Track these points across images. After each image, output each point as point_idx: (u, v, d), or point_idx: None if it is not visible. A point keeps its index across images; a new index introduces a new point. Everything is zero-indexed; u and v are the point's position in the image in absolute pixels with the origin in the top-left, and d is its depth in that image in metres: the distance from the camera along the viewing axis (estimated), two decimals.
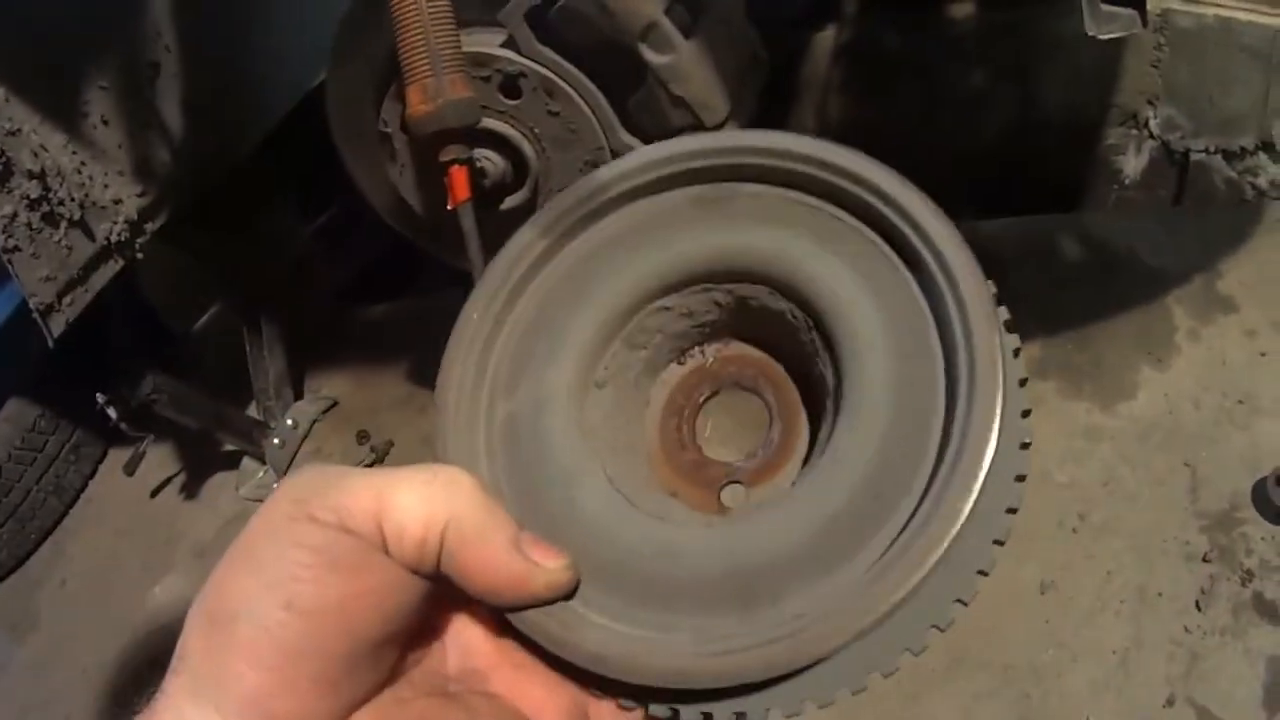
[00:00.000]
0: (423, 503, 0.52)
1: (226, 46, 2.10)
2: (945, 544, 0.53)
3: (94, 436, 2.72)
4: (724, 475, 0.71)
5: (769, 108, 2.32)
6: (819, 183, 0.69)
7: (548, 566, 0.55)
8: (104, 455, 2.78)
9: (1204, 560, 1.68)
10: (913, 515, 0.56)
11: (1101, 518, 1.73)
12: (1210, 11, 2.33)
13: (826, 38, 2.47)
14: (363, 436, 2.38)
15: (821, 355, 0.67)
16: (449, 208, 1.44)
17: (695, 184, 0.72)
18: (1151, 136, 2.52)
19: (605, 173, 0.72)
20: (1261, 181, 2.45)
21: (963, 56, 2.49)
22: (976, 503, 0.54)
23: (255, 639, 0.48)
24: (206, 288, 2.56)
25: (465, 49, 1.45)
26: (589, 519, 0.63)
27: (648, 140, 1.56)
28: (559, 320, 0.70)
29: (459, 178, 1.42)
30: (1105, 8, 1.29)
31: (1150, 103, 2.49)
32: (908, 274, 0.65)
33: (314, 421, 2.49)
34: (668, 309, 0.73)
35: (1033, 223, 2.17)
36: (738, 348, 0.75)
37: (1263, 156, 2.41)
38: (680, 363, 0.76)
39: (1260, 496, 1.71)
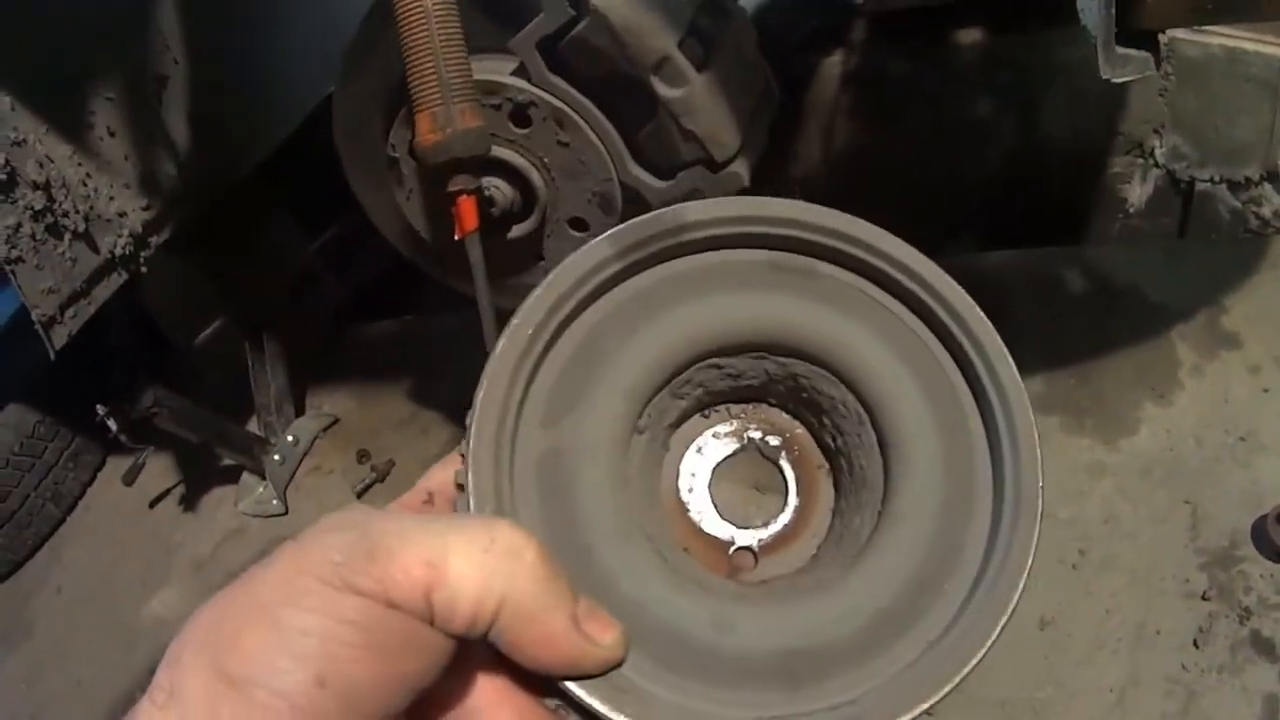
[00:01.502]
0: (479, 575, 0.47)
1: (234, 61, 2.09)
2: (978, 659, 0.59)
3: (93, 444, 2.70)
4: (735, 541, 0.72)
5: (775, 131, 2.32)
6: (899, 286, 0.70)
7: (604, 642, 0.53)
8: (103, 463, 2.76)
9: (1203, 598, 1.68)
10: (952, 622, 0.61)
11: (1101, 555, 1.74)
12: (1217, 41, 2.33)
13: (834, 63, 2.47)
14: (364, 455, 2.38)
15: (869, 452, 0.69)
16: (455, 238, 1.44)
17: (776, 249, 0.71)
18: (1157, 165, 2.51)
19: (693, 212, 0.69)
20: (1265, 211, 2.45)
21: (968, 83, 2.48)
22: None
23: (277, 709, 0.44)
24: (209, 302, 2.54)
25: (475, 76, 1.44)
26: (639, 585, 0.61)
27: (657, 173, 1.56)
28: (615, 355, 0.67)
29: (467, 208, 1.42)
30: (1120, 51, 1.29)
31: (1156, 131, 2.48)
32: (970, 397, 0.68)
33: (315, 438, 2.47)
34: (719, 367, 0.72)
35: (1036, 255, 2.17)
36: (766, 411, 0.75)
37: (1268, 187, 2.42)
38: (705, 416, 0.75)
39: (1260, 534, 1.71)
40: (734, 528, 0.72)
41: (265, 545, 2.31)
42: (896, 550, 0.64)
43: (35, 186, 1.75)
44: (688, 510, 0.73)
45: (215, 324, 2.61)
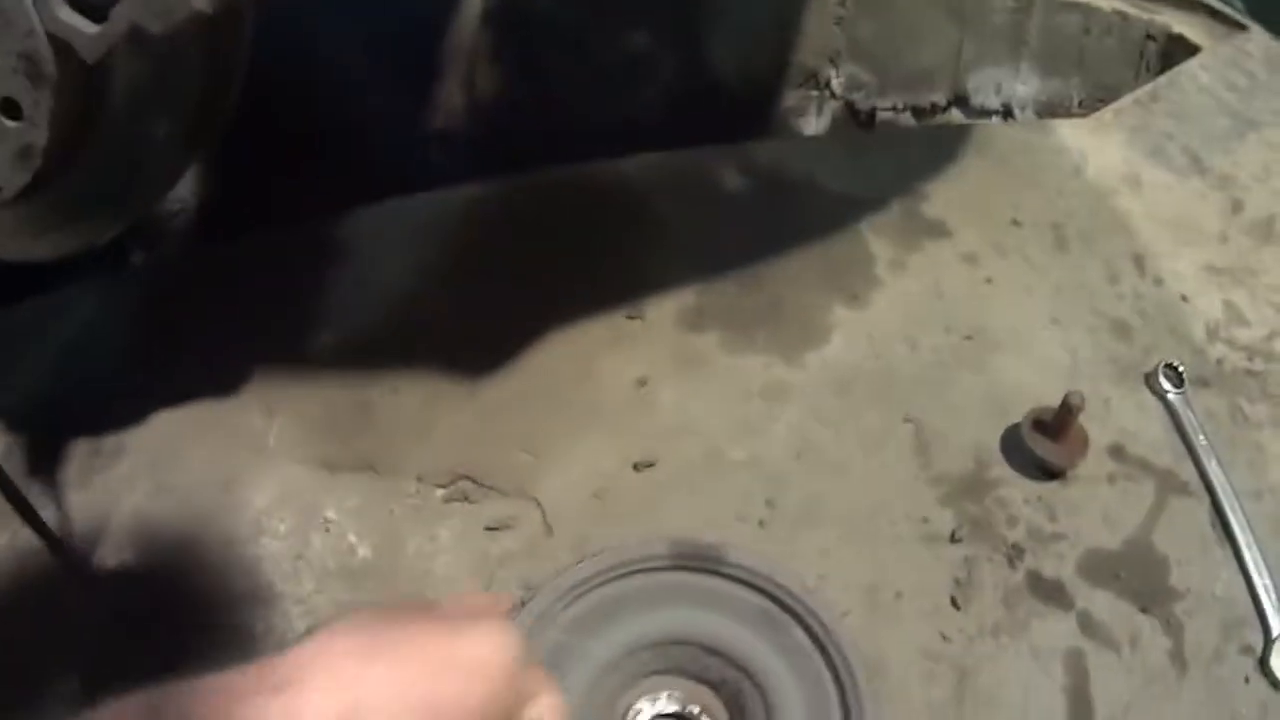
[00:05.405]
0: None
1: None
2: None
3: None
4: None
5: (415, 83, 2.05)
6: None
7: None
8: None
9: (952, 540, 1.20)
10: None
11: (798, 501, 1.23)
12: None
13: (473, 1, 2.08)
14: None
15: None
16: None
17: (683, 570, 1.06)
18: (834, 97, 2.30)
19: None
20: None
21: (619, 20, 2.17)
22: None
23: None
24: None
25: None
26: None
27: (94, 16, 1.04)
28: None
29: None
30: None
31: (832, 61, 2.27)
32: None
33: None
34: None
35: (686, 156, 1.72)
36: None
37: (955, 112, 2.27)
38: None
39: (1014, 448, 1.28)
40: None
41: None
42: None
43: None
44: None
45: None
